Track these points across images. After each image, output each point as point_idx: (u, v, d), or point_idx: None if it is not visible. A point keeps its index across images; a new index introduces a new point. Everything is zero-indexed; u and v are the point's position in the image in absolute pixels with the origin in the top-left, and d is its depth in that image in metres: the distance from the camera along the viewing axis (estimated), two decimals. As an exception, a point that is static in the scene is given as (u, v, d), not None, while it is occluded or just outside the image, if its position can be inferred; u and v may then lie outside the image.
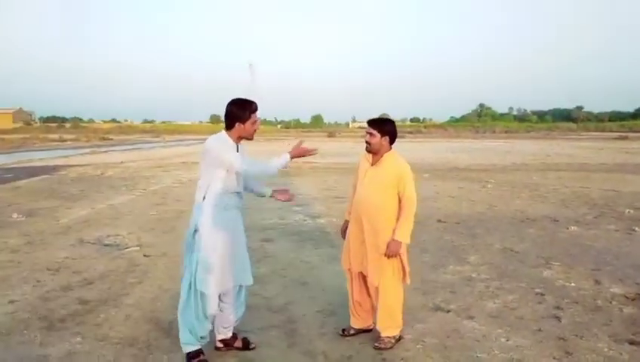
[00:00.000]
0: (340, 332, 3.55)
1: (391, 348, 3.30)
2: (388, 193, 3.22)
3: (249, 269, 3.24)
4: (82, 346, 3.36)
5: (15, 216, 7.88)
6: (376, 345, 3.33)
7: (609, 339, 3.48)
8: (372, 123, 3.30)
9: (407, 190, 3.21)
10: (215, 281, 3.02)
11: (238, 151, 3.11)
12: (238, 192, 3.14)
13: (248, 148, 3.25)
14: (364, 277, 3.39)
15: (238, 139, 3.11)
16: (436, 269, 5.14)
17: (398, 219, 3.24)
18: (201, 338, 3.09)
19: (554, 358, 3.22)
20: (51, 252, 5.78)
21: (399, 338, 3.40)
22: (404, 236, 3.21)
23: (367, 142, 3.31)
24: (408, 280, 3.38)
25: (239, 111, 3.03)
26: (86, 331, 3.60)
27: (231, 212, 3.10)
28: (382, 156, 3.29)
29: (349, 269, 3.45)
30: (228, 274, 3.09)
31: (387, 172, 3.23)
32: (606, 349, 3.34)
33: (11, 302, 4.17)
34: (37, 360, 3.17)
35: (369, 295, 3.42)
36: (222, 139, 3.08)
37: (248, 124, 3.04)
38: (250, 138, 3.12)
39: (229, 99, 3.08)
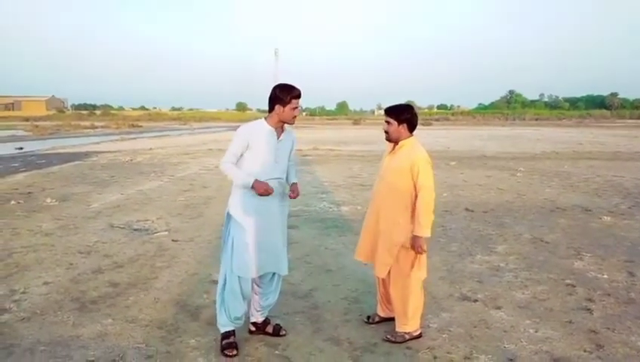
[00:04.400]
0: (365, 320, 3.54)
1: (401, 342, 3.21)
2: (402, 180, 3.10)
3: (284, 259, 3.24)
4: (113, 327, 3.45)
5: (49, 200, 8.12)
6: (387, 336, 3.25)
7: (643, 333, 3.38)
8: (389, 111, 3.22)
9: (421, 178, 3.06)
10: (249, 265, 3.06)
11: (279, 138, 3.11)
12: (275, 178, 3.12)
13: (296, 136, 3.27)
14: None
15: (278, 123, 3.11)
16: (463, 258, 5.07)
17: (414, 209, 3.11)
18: (236, 319, 3.15)
19: (584, 351, 3.14)
20: (83, 236, 5.93)
21: (418, 336, 3.27)
22: (423, 230, 3.07)
23: (385, 130, 3.24)
24: (423, 275, 3.25)
25: (281, 94, 3.05)
26: (116, 313, 3.69)
27: (266, 198, 3.07)
28: (399, 144, 3.21)
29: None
30: (262, 260, 3.11)
31: (402, 159, 3.14)
32: (640, 343, 3.25)
33: (45, 283, 4.31)
34: (70, 340, 3.27)
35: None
36: (253, 127, 3.13)
37: (288, 108, 3.06)
38: (290, 122, 3.14)
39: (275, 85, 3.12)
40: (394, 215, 3.15)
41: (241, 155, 3.08)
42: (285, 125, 3.17)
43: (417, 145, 3.19)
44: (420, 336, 3.28)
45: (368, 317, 3.54)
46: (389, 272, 3.26)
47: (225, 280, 3.11)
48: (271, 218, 3.14)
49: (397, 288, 3.24)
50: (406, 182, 3.11)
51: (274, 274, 3.26)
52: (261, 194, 3.00)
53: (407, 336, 3.24)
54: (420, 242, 3.09)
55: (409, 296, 3.20)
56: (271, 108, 3.10)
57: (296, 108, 3.10)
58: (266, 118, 3.15)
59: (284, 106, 3.05)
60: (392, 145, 3.26)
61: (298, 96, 3.08)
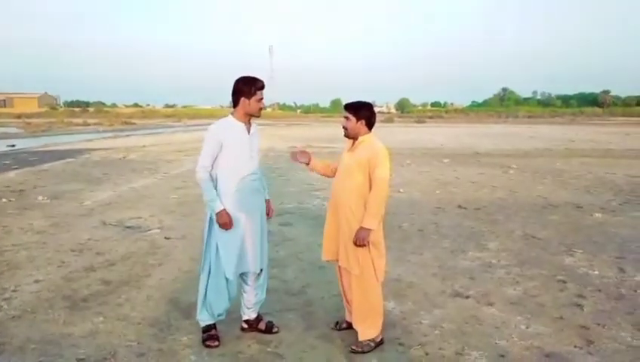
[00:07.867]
0: (332, 326, 3.43)
1: (369, 351, 3.08)
2: (360, 175, 3.06)
3: (266, 253, 3.26)
4: (104, 325, 3.43)
5: (40, 198, 8.06)
6: (353, 348, 3.13)
7: (632, 328, 3.41)
8: (348, 107, 3.20)
9: (378, 170, 3.01)
10: (236, 267, 3.07)
11: (249, 133, 3.10)
12: (252, 174, 3.12)
13: (263, 133, 3.22)
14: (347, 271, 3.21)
15: (246, 116, 3.09)
16: (455, 255, 5.09)
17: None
18: (218, 315, 3.17)
19: (575, 346, 3.17)
20: (75, 233, 5.90)
21: (380, 342, 3.16)
22: (370, 222, 2.97)
23: (343, 126, 3.20)
24: (380, 278, 3.13)
25: (244, 87, 3.04)
26: (108, 311, 3.68)
27: (245, 195, 3.07)
28: (358, 140, 3.18)
29: (338, 264, 3.27)
30: (246, 258, 3.12)
31: (361, 154, 3.10)
32: (629, 338, 3.27)
33: (36, 281, 4.28)
34: (61, 338, 3.25)
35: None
36: (223, 125, 3.09)
37: (253, 100, 3.04)
38: (256, 115, 3.11)
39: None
40: (357, 210, 3.06)
41: (216, 156, 3.03)
42: (252, 119, 3.15)
43: (376, 140, 3.17)
44: (382, 342, 3.19)
45: (336, 323, 3.43)
46: (350, 282, 3.17)
47: (208, 279, 3.10)
48: (251, 218, 3.12)
49: (358, 297, 3.13)
50: (364, 176, 3.06)
51: (261, 270, 3.26)
52: (219, 225, 3.00)
53: (372, 344, 3.14)
54: (364, 234, 2.98)
55: (370, 304, 3.12)
56: (236, 103, 3.07)
57: (262, 99, 3.08)
58: (232, 114, 3.11)
59: (249, 99, 3.03)
60: (350, 142, 3.23)
61: (262, 87, 3.06)
